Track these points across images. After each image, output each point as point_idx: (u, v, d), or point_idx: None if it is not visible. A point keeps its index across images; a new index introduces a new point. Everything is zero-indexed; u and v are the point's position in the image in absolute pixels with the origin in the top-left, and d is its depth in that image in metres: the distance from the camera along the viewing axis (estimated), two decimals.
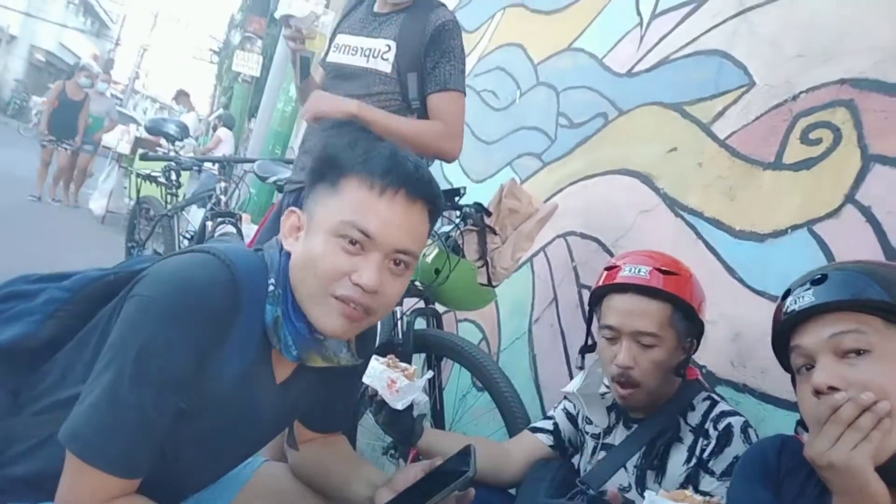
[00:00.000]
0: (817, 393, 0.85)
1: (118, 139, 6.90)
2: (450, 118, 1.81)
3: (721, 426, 1.18)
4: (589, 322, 1.40)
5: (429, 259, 1.93)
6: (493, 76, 2.95)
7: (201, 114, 10.17)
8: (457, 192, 1.97)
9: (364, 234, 0.90)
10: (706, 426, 1.21)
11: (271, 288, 0.94)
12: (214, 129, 7.48)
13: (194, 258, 0.91)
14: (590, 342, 1.39)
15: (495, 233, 1.99)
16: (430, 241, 1.98)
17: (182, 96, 8.92)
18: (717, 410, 1.22)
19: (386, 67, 1.79)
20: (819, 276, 0.90)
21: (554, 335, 2.14)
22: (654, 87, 1.96)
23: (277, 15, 1.74)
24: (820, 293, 0.88)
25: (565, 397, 1.48)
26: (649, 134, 1.93)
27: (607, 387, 1.34)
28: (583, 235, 2.13)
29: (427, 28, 1.77)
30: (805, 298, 0.89)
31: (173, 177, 3.47)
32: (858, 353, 0.84)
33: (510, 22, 2.98)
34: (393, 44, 1.79)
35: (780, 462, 0.98)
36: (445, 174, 3.09)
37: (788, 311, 0.92)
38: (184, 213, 3.63)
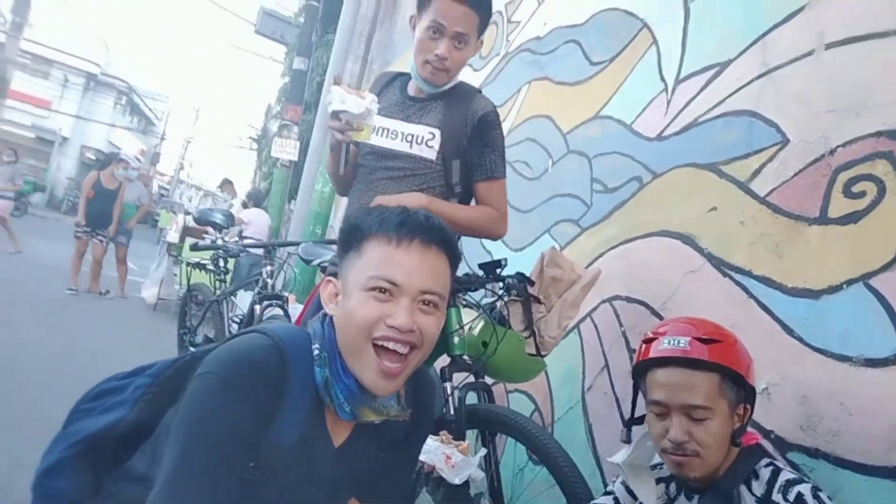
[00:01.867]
0: None
1: (169, 228, 7.11)
2: (498, 204, 1.89)
3: (792, 496, 1.13)
4: (635, 394, 1.37)
5: (475, 332, 1.93)
6: (525, 147, 3.02)
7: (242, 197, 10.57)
8: (498, 263, 1.99)
9: (390, 282, 0.99)
10: (774, 498, 1.15)
11: (316, 352, 1.03)
12: (246, 206, 7.68)
13: (245, 336, 1.03)
14: (636, 413, 1.36)
15: (540, 301, 1.99)
16: (475, 314, 1.99)
17: (226, 185, 9.34)
18: (781, 479, 1.17)
19: (431, 155, 1.82)
20: None
21: (609, 402, 2.09)
22: (686, 149, 1.98)
23: (330, 109, 1.72)
24: None
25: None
26: (686, 195, 1.94)
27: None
28: (629, 299, 2.11)
29: (469, 118, 1.81)
30: None
31: (221, 264, 3.59)
32: None
33: (536, 95, 3.07)
34: (437, 132, 1.82)
35: None
36: (484, 244, 3.13)
37: None
38: (232, 297, 3.74)
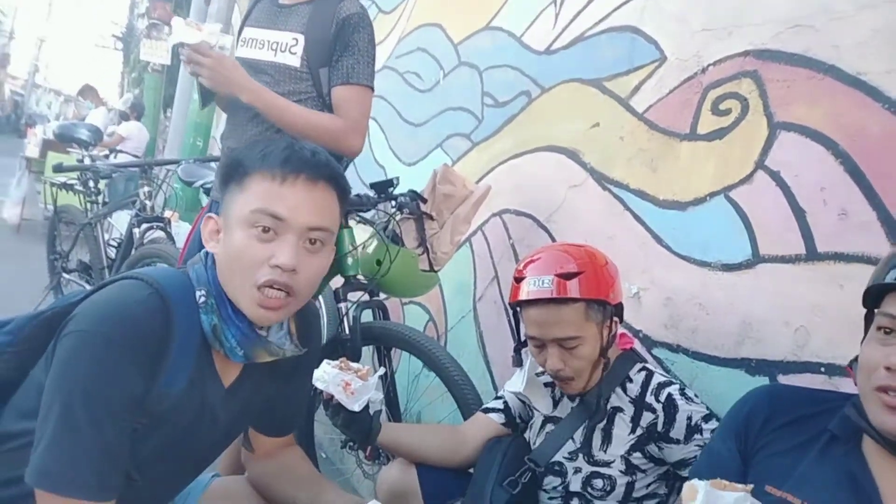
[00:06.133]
0: (888, 368, 0.84)
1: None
2: (350, 113, 1.77)
3: (663, 398, 1.28)
4: (517, 322, 1.44)
5: (369, 251, 1.94)
6: (415, 57, 2.93)
7: (111, 105, 9.59)
8: (390, 182, 1.98)
9: (275, 217, 0.96)
10: (647, 399, 1.29)
11: (202, 299, 0.99)
12: (126, 118, 6.99)
13: (121, 286, 0.96)
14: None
15: (432, 218, 2.01)
16: (368, 234, 1.99)
17: (88, 91, 8.41)
18: (654, 382, 1.31)
19: (294, 62, 1.73)
20: None
21: (498, 311, 2.20)
22: (572, 64, 2.00)
23: (170, 42, 1.70)
24: None
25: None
26: (572, 110, 1.98)
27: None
28: (517, 213, 2.18)
29: (334, 20, 1.72)
30: None
31: (91, 184, 3.30)
32: None
33: (426, 1, 2.95)
34: (301, 37, 1.73)
35: (770, 411, 1.01)
36: (376, 157, 3.08)
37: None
38: (108, 219, 3.48)
